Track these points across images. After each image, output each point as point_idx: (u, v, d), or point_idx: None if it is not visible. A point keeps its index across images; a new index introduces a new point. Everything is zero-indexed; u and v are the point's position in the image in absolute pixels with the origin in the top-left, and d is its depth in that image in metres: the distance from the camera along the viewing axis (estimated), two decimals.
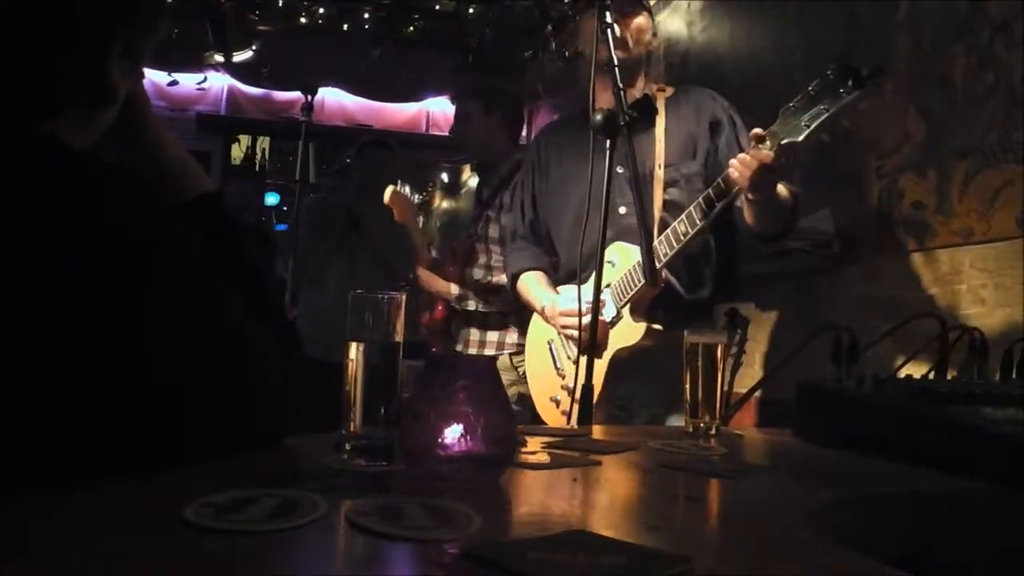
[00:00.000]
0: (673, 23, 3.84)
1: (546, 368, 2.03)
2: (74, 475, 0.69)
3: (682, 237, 1.74)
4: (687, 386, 1.30)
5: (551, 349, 2.03)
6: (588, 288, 1.80)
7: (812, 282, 2.63)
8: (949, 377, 1.29)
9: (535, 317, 2.16)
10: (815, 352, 1.34)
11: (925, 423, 1.06)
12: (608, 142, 1.67)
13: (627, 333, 1.83)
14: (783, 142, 1.55)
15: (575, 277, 1.99)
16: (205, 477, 0.75)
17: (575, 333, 1.88)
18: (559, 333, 2.00)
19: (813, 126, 1.51)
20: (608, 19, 1.72)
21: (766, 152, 1.59)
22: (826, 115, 1.49)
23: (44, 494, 0.66)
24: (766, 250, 2.09)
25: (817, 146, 1.63)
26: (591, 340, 1.61)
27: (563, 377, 1.99)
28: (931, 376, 1.30)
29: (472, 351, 2.82)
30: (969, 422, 1.03)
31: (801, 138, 1.53)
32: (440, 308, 3.03)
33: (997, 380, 1.28)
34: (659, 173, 1.90)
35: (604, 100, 1.85)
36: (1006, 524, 0.91)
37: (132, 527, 0.61)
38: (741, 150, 1.83)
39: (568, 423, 1.92)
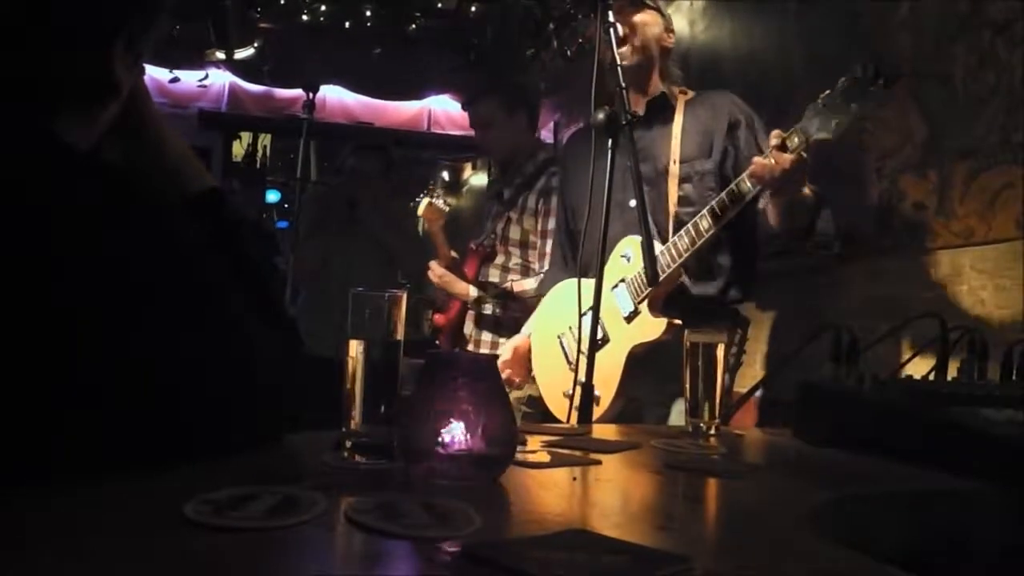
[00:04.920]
0: (674, 22, 3.83)
1: (557, 363, 2.02)
2: (74, 474, 0.69)
3: (696, 239, 1.76)
4: (687, 385, 1.30)
5: (562, 344, 2.03)
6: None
7: (812, 282, 2.63)
8: (949, 378, 1.29)
9: (536, 315, 2.19)
10: (815, 352, 1.34)
11: (925, 424, 1.06)
12: (611, 140, 1.67)
13: (647, 329, 1.81)
14: (813, 137, 1.58)
15: (588, 272, 2.00)
16: (205, 474, 0.75)
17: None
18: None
19: (845, 123, 1.54)
20: (610, 18, 1.72)
21: (787, 156, 1.61)
22: (855, 112, 1.54)
23: (44, 494, 0.66)
24: (792, 246, 2.10)
25: (818, 146, 1.64)
26: (590, 348, 1.61)
27: (576, 372, 1.98)
28: (931, 377, 1.30)
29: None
30: (969, 423, 1.03)
31: (831, 135, 1.55)
32: (455, 308, 3.00)
33: (997, 381, 1.28)
34: (674, 169, 1.92)
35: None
36: (1006, 524, 0.91)
37: (132, 526, 0.61)
38: (760, 150, 1.84)
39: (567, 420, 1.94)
